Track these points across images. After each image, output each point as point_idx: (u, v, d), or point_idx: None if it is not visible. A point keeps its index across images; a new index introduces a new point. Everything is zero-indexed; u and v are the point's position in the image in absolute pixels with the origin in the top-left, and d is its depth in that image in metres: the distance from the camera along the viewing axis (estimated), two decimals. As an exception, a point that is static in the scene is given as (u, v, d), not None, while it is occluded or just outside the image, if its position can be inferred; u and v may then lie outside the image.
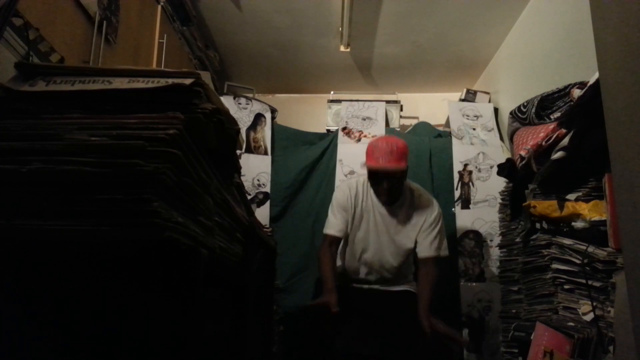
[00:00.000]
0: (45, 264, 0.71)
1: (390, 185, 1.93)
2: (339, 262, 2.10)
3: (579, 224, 1.51)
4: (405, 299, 2.00)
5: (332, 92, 3.55)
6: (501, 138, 3.03)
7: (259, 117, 3.10)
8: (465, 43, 3.37)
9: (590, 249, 1.44)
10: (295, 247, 2.85)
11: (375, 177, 1.96)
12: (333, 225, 2.03)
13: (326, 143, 3.11)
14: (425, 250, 2.01)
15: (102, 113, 0.78)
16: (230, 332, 1.12)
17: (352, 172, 2.94)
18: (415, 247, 2.03)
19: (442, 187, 2.92)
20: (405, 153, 1.96)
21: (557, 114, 1.88)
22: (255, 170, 2.95)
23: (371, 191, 2.05)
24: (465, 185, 2.89)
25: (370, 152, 1.96)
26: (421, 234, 2.02)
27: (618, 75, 0.90)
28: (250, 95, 3.28)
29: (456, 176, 2.90)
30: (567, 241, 1.56)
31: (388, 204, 2.02)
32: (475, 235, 2.79)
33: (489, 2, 2.89)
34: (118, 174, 0.67)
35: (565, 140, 1.58)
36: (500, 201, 2.39)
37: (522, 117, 2.08)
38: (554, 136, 1.67)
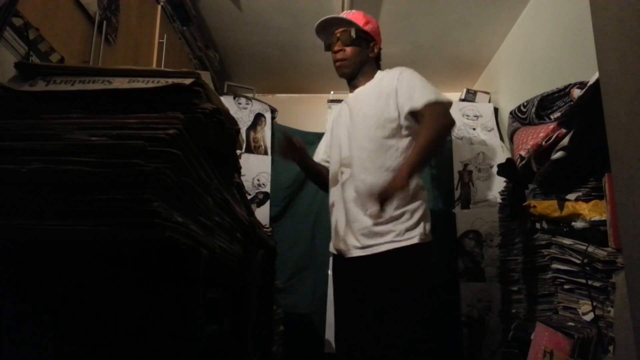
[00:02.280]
0: (45, 264, 0.71)
1: (338, 45, 1.73)
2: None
3: (579, 224, 1.51)
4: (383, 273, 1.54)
5: (332, 92, 3.55)
6: (501, 138, 3.02)
7: (259, 117, 3.10)
8: (465, 43, 3.36)
9: (590, 249, 1.44)
10: (295, 247, 2.85)
11: (327, 44, 1.79)
12: (316, 152, 1.95)
13: (326, 143, 3.11)
14: (418, 99, 1.62)
15: (102, 113, 0.78)
16: (230, 332, 1.12)
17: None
18: (385, 113, 1.66)
19: (442, 187, 2.92)
20: (363, 17, 1.77)
21: (557, 114, 1.88)
22: (255, 170, 2.95)
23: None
24: (465, 185, 2.89)
25: None
26: (399, 91, 1.66)
27: (618, 75, 0.90)
28: (250, 95, 3.28)
29: (456, 176, 2.90)
30: (567, 241, 1.56)
31: (343, 76, 1.79)
32: (475, 235, 2.79)
33: (489, 2, 2.88)
34: (118, 174, 0.67)
35: (565, 140, 1.58)
36: (500, 201, 2.39)
37: (522, 117, 2.08)
38: (554, 136, 1.67)
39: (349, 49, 1.74)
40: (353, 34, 1.74)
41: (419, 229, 1.61)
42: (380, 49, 1.85)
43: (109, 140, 0.69)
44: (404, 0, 2.90)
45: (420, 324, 1.56)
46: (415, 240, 1.57)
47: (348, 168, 1.68)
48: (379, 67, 1.85)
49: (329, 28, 1.79)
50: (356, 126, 1.70)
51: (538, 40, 2.71)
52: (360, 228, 1.59)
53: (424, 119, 1.61)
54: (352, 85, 1.82)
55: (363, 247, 1.58)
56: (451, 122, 1.66)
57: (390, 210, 1.58)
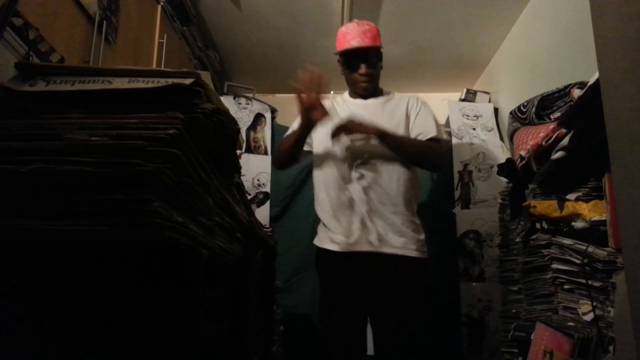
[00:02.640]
0: (45, 264, 0.72)
1: (367, 67, 1.81)
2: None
3: (579, 224, 1.51)
4: (406, 273, 1.69)
5: (332, 92, 3.55)
6: (501, 138, 3.02)
7: (259, 117, 3.11)
8: (465, 43, 3.37)
9: (590, 249, 1.44)
10: (295, 247, 2.85)
11: (351, 61, 1.84)
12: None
13: (326, 143, 3.10)
14: (431, 130, 1.80)
15: (102, 113, 0.78)
16: (230, 332, 1.12)
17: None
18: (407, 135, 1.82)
19: (442, 187, 2.92)
20: (379, 33, 1.85)
21: (557, 114, 1.88)
22: (255, 170, 2.95)
23: (344, 96, 1.96)
24: (465, 185, 2.89)
25: (341, 37, 1.85)
26: (418, 118, 1.83)
27: (618, 75, 0.90)
28: (250, 95, 3.27)
29: (456, 176, 2.90)
30: (567, 241, 1.56)
31: (366, 92, 1.87)
32: (475, 235, 2.79)
33: (489, 2, 2.89)
34: (118, 174, 0.67)
35: (565, 140, 1.58)
36: (500, 201, 2.39)
37: (522, 117, 2.08)
38: (554, 136, 1.67)
39: (374, 71, 1.85)
40: (380, 59, 1.86)
41: (427, 245, 1.81)
42: None
43: (109, 140, 0.69)
44: (404, 0, 2.90)
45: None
46: (426, 255, 1.78)
47: (371, 173, 1.75)
48: None
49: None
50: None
51: (538, 40, 2.71)
52: (394, 230, 1.72)
53: (425, 140, 1.80)
54: (367, 95, 1.90)
55: (398, 247, 1.71)
56: (438, 165, 1.85)
57: (412, 216, 1.78)
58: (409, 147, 1.77)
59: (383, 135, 1.69)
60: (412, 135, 1.81)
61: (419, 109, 1.85)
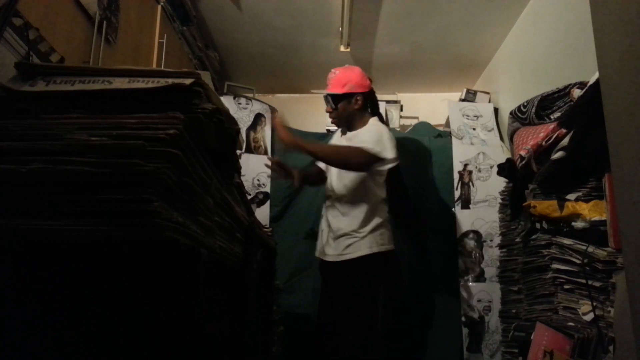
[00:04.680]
0: (45, 264, 0.71)
1: (328, 107, 2.12)
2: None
3: (579, 224, 1.51)
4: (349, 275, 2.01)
5: (331, 92, 3.55)
6: (501, 138, 3.02)
7: (259, 117, 3.10)
8: (465, 43, 3.36)
9: (590, 249, 1.44)
10: (295, 247, 2.84)
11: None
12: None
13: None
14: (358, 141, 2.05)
15: (102, 113, 0.78)
16: (230, 332, 1.12)
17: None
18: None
19: (442, 187, 2.92)
20: (341, 80, 2.08)
21: (557, 114, 1.88)
22: (255, 170, 2.95)
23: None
24: (465, 185, 2.89)
25: None
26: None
27: (618, 75, 0.90)
28: (250, 95, 3.27)
29: (456, 176, 2.90)
30: (567, 241, 1.56)
31: (337, 126, 2.26)
32: (475, 235, 2.79)
33: (489, 2, 2.88)
34: (118, 174, 0.67)
35: (565, 140, 1.58)
36: (500, 201, 2.39)
37: (522, 117, 2.08)
38: (554, 136, 1.67)
39: (334, 112, 2.13)
40: (332, 104, 2.12)
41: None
42: (364, 96, 2.12)
43: (109, 140, 0.69)
44: (404, 0, 2.90)
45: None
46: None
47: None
48: (373, 109, 2.21)
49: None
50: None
51: (538, 40, 2.71)
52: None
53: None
54: (348, 128, 2.18)
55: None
56: (356, 164, 1.96)
57: None
58: (319, 154, 2.01)
59: (302, 149, 1.92)
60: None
61: (367, 129, 2.08)
